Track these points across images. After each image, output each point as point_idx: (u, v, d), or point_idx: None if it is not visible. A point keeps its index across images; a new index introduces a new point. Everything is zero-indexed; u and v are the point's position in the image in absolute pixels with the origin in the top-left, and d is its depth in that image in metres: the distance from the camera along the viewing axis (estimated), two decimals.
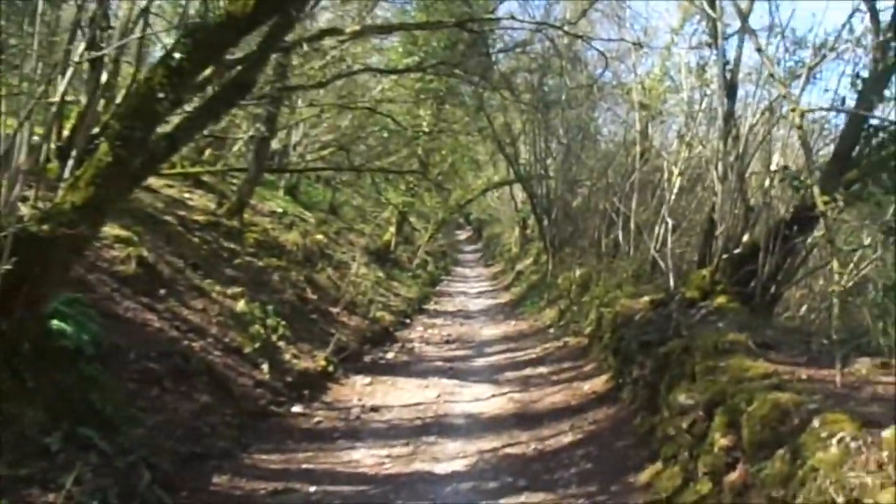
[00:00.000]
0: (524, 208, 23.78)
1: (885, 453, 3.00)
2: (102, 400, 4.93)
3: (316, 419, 7.43)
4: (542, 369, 10.12)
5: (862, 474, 2.97)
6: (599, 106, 17.22)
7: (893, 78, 7.18)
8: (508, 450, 6.72)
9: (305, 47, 10.69)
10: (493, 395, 8.72)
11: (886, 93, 7.46)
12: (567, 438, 7.02)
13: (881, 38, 7.05)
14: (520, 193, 23.77)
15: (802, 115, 5.92)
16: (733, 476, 4.26)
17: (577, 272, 13.94)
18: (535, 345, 12.04)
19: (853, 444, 3.19)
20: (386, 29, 11.46)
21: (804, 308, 11.10)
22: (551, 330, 12.93)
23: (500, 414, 7.99)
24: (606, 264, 13.48)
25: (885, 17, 7.35)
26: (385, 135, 16.72)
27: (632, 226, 12.59)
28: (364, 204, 21.45)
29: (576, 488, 5.67)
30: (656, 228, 11.79)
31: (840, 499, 3.00)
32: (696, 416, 5.17)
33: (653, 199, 13.12)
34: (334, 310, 11.29)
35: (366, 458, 6.39)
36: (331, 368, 9.01)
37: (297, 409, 7.55)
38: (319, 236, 14.02)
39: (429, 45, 13.06)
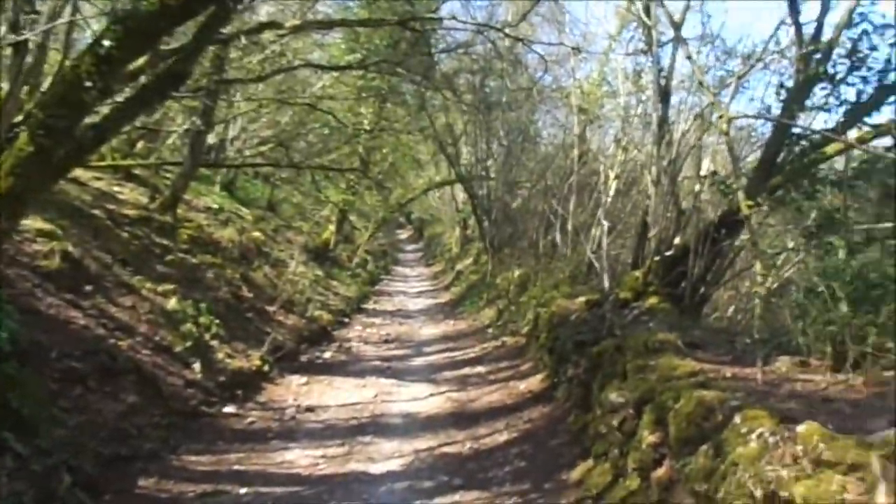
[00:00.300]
0: (465, 208, 23.89)
1: (799, 447, 3.13)
2: (20, 399, 4.71)
3: (249, 419, 7.29)
4: (480, 368, 10.19)
5: (778, 468, 3.10)
6: (539, 109, 17.47)
7: (815, 89, 7.53)
8: (445, 449, 6.75)
9: (244, 40, 10.45)
10: (431, 395, 8.74)
11: (808, 103, 7.83)
12: (503, 437, 7.10)
13: (804, 50, 7.38)
14: (461, 194, 23.88)
15: (729, 122, 6.14)
16: (660, 472, 4.38)
17: (516, 272, 14.10)
18: (473, 344, 12.12)
19: (771, 439, 3.32)
20: (327, 24, 11.30)
21: (732, 309, 11.53)
22: (490, 329, 13.04)
23: (438, 413, 8.01)
24: (544, 265, 13.69)
25: (808, 31, 7.72)
26: (326, 132, 16.55)
27: (569, 227, 12.82)
28: (303, 201, 21.15)
29: (509, 486, 5.73)
30: (593, 230, 12.04)
31: (758, 492, 3.12)
32: (627, 413, 5.30)
33: (590, 201, 13.40)
34: (271, 308, 11.09)
35: (300, 458, 6.31)
36: (266, 368, 8.86)
37: (229, 409, 7.39)
38: (257, 233, 13.75)
39: (371, 42, 12.98)
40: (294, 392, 8.52)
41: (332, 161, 17.40)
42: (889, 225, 6.69)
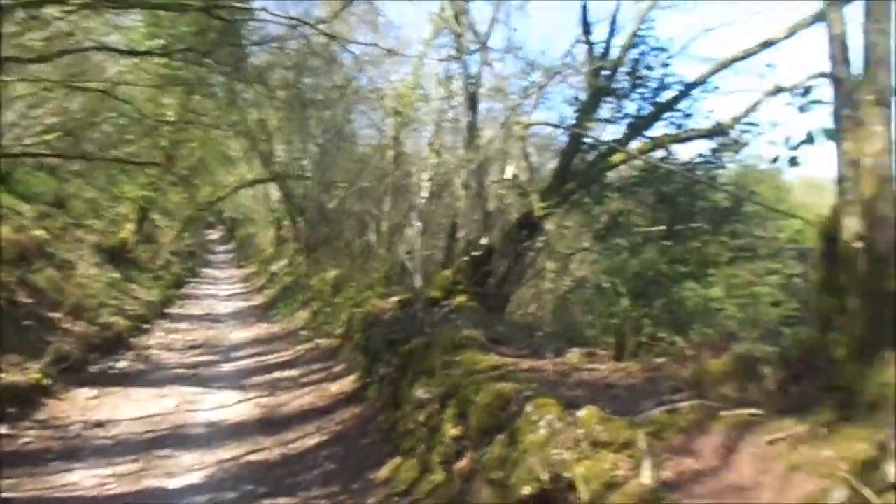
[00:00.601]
0: (280, 208, 23.20)
1: (581, 431, 3.39)
2: None
3: (24, 440, 6.48)
4: (293, 372, 9.95)
5: (562, 451, 3.33)
6: (356, 109, 17.42)
7: (603, 103, 8.27)
8: (251, 457, 6.50)
9: (23, 14, 9.29)
10: (239, 402, 8.37)
11: (598, 115, 8.58)
12: (313, 440, 6.98)
13: (594, 67, 8.07)
14: (275, 193, 23.15)
15: (526, 128, 6.53)
16: (462, 463, 4.53)
17: (332, 273, 13.94)
18: (286, 347, 11.80)
19: (557, 425, 3.56)
20: (122, 4, 10.34)
21: (535, 306, 12.32)
22: (304, 332, 12.76)
23: (245, 420, 7.69)
24: (360, 265, 13.70)
25: (599, 50, 8.46)
26: (123, 122, 15.18)
27: (384, 228, 12.95)
28: (98, 197, 19.26)
29: (318, 490, 5.64)
30: (407, 231, 12.26)
31: (545, 475, 3.33)
32: (433, 409, 5.43)
33: (404, 202, 13.62)
34: (55, 315, 9.96)
35: (85, 479, 5.72)
36: (47, 381, 7.92)
37: None
38: (39, 232, 12.29)
39: (176, 28, 12.12)
40: (81, 407, 7.73)
41: (131, 154, 16.00)
42: (663, 228, 7.53)
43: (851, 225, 3.36)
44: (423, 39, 14.36)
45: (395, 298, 9.60)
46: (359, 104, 16.72)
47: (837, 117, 3.54)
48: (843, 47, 3.51)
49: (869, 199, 3.24)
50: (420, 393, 5.74)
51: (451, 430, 4.76)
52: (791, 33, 7.51)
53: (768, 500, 2.74)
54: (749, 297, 8.26)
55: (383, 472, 5.75)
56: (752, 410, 3.29)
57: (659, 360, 4.96)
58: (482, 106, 10.59)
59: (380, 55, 13.53)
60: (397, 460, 5.78)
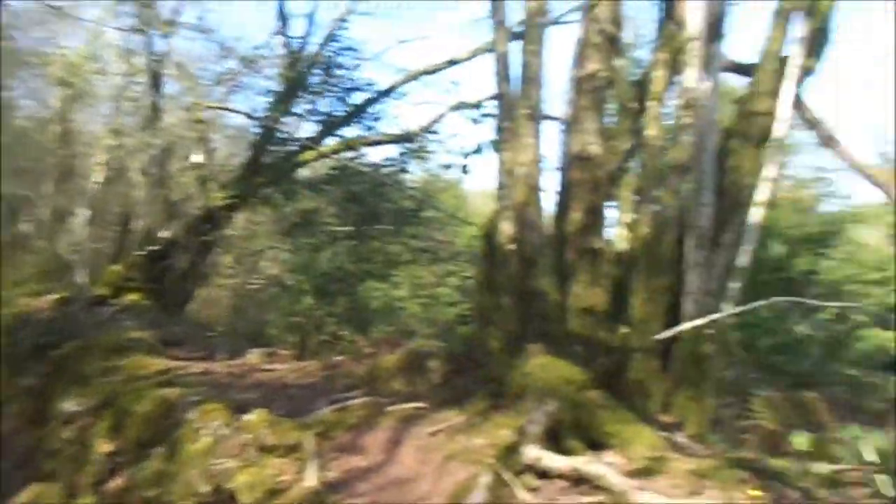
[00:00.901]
0: None
1: (248, 436, 3.17)
2: None
3: None
4: None
5: (226, 460, 3.08)
6: (12, 74, 14.77)
7: (297, 98, 8.12)
8: None
9: None
10: None
11: (294, 110, 8.42)
12: None
13: (289, 60, 7.91)
14: None
15: (203, 110, 6.12)
16: (115, 483, 3.98)
17: None
18: None
19: (223, 432, 3.29)
20: None
21: (223, 305, 11.69)
22: None
23: None
24: (9, 258, 11.64)
25: (296, 45, 8.31)
26: None
27: (44, 216, 11.22)
28: None
29: None
30: (72, 220, 10.77)
31: (206, 487, 3.04)
32: (84, 423, 4.72)
33: (71, 187, 11.95)
34: None
35: None
36: None
37: None
38: None
39: None
40: None
41: None
42: (351, 227, 7.64)
43: (506, 229, 3.68)
44: (101, 5, 12.75)
45: (52, 297, 8.32)
46: (16, 69, 14.19)
47: (500, 130, 3.87)
48: (506, 66, 3.84)
49: (520, 205, 3.58)
50: (69, 405, 4.95)
51: (104, 446, 4.16)
52: (474, 55, 8.25)
53: (426, 489, 2.84)
54: (431, 298, 8.78)
55: (18, 501, 4.84)
56: (418, 404, 3.41)
57: (338, 358, 4.96)
58: (172, 88, 9.75)
59: (45, 13, 11.65)
60: (38, 487, 4.91)
